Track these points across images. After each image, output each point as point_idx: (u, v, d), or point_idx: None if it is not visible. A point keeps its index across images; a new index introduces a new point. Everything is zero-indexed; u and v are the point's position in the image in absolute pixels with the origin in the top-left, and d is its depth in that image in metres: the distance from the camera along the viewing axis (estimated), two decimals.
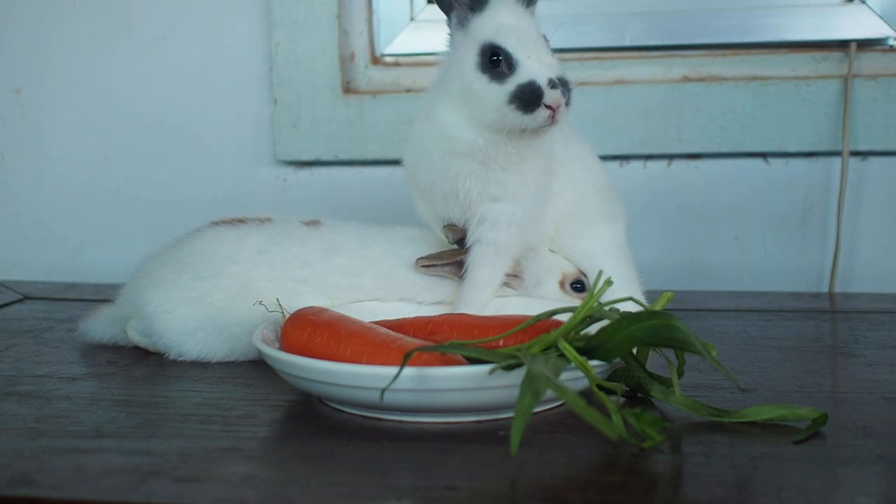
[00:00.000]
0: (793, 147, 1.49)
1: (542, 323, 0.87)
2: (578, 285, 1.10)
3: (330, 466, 0.74)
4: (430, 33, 1.61)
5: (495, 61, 0.96)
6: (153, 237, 1.20)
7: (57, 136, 1.71)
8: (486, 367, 0.78)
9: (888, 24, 1.50)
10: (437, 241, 1.11)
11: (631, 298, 0.86)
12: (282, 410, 0.89)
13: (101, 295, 1.34)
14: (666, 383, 0.86)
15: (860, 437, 0.79)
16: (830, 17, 1.52)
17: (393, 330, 0.92)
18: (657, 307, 0.84)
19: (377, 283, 1.08)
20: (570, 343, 0.81)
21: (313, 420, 0.86)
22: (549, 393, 0.72)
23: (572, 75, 0.98)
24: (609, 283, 0.82)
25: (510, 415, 0.72)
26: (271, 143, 1.63)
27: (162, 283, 1.07)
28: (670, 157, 1.54)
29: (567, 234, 1.10)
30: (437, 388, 0.80)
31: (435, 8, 1.59)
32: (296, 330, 0.91)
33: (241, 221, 1.11)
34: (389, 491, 0.69)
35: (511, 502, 0.67)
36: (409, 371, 0.78)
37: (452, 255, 1.07)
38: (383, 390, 0.77)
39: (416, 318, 1.00)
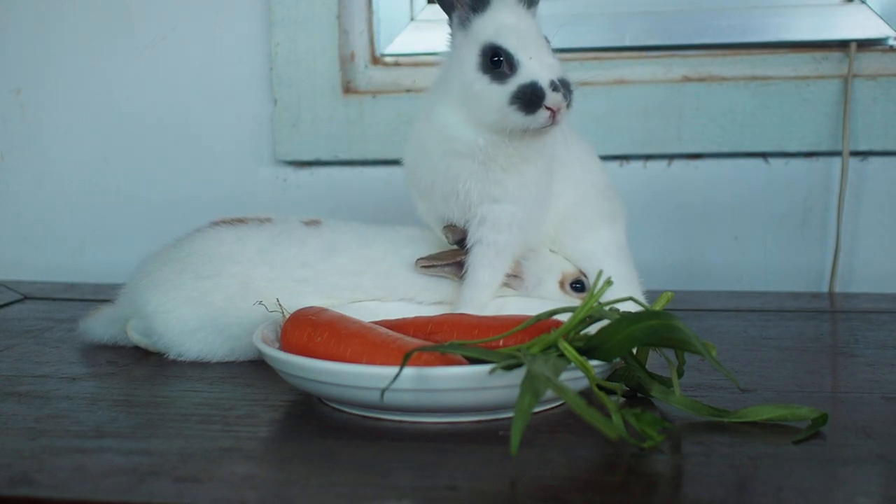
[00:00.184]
0: (793, 147, 1.49)
1: (542, 323, 0.87)
2: (578, 285, 1.10)
3: (330, 466, 0.74)
4: (430, 33, 1.61)
5: (496, 62, 0.96)
6: (153, 237, 1.20)
7: (57, 136, 1.71)
8: (486, 367, 0.78)
9: (888, 24, 1.50)
10: (437, 242, 1.11)
11: (631, 298, 0.86)
12: (282, 410, 0.89)
13: (101, 295, 1.34)
14: (666, 383, 0.86)
15: (860, 437, 0.79)
16: (830, 17, 1.52)
17: (393, 330, 0.92)
18: (657, 307, 0.84)
19: (377, 283, 1.08)
20: (570, 343, 0.81)
21: (313, 420, 0.86)
22: (549, 393, 0.72)
23: (573, 75, 0.98)
24: (609, 283, 0.82)
25: (510, 415, 0.72)
26: (271, 143, 1.63)
27: (162, 283, 1.07)
28: (670, 157, 1.54)
29: (567, 234, 1.10)
30: (437, 388, 0.80)
31: (435, 8, 1.60)
32: (296, 330, 0.91)
33: (241, 221, 1.11)
34: (389, 491, 0.69)
35: (511, 502, 0.67)
36: (409, 371, 0.78)
37: (452, 256, 1.07)
38: (383, 390, 0.77)
39: (416, 318, 1.00)
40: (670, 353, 0.85)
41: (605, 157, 1.22)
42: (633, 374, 0.87)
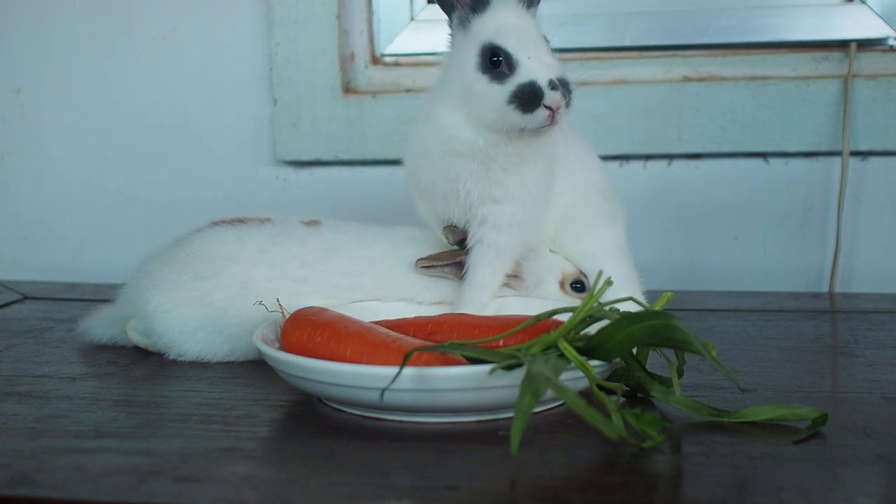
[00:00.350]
0: (793, 147, 1.49)
1: (542, 323, 0.87)
2: (578, 285, 1.10)
3: (330, 466, 0.74)
4: (430, 33, 1.61)
5: (496, 62, 0.96)
6: (153, 237, 1.20)
7: (57, 136, 1.71)
8: (486, 367, 0.78)
9: (888, 24, 1.50)
10: (438, 242, 1.11)
11: (631, 298, 0.86)
12: (282, 410, 0.89)
13: (101, 295, 1.34)
14: (666, 383, 0.86)
15: (860, 437, 0.79)
16: (830, 17, 1.52)
17: (393, 330, 0.92)
18: (657, 307, 0.84)
19: (377, 283, 1.08)
20: (570, 343, 0.81)
21: (313, 420, 0.86)
22: (549, 393, 0.72)
23: (572, 75, 0.98)
24: (609, 283, 0.82)
25: (510, 415, 0.72)
26: (271, 143, 1.63)
27: (162, 283, 1.07)
28: (670, 157, 1.54)
29: (567, 234, 1.10)
30: (437, 388, 0.80)
31: (435, 8, 1.60)
32: (296, 330, 0.91)
33: (241, 221, 1.11)
34: (389, 491, 0.69)
35: (511, 502, 0.67)
36: (409, 371, 0.78)
37: (452, 256, 1.07)
38: (383, 390, 0.77)
39: (416, 318, 1.00)
40: (670, 353, 0.85)
41: (605, 157, 1.22)
42: (633, 374, 0.87)
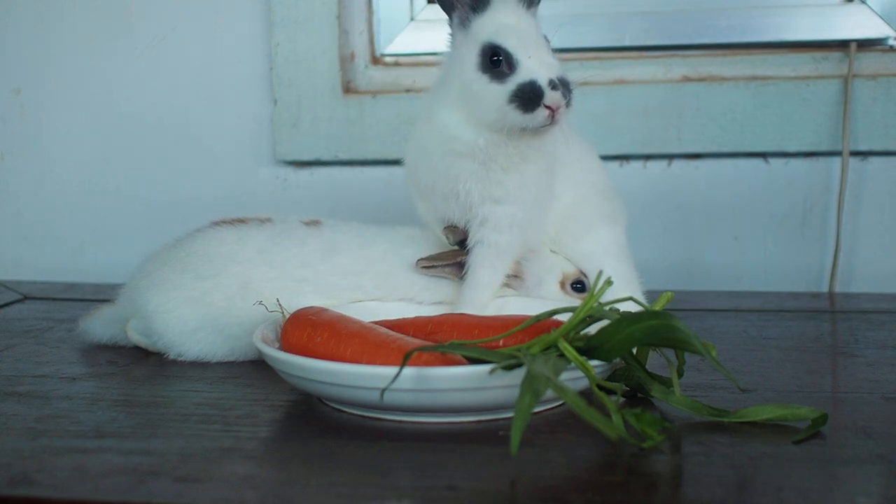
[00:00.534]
0: (793, 147, 1.49)
1: (542, 323, 0.87)
2: (579, 285, 1.10)
3: (330, 466, 0.74)
4: (430, 33, 1.61)
5: (496, 61, 0.96)
6: (153, 237, 1.20)
7: (57, 136, 1.71)
8: (486, 367, 0.78)
9: (888, 24, 1.50)
10: (438, 242, 1.11)
11: (631, 298, 0.86)
12: (282, 410, 0.89)
13: (101, 295, 1.34)
14: (666, 383, 0.86)
15: (860, 437, 0.79)
16: (830, 17, 1.52)
17: (393, 330, 0.92)
18: (657, 307, 0.84)
19: (377, 283, 1.08)
20: (570, 343, 0.81)
21: (313, 420, 0.86)
22: (549, 393, 0.72)
23: (572, 75, 0.98)
24: (609, 283, 0.82)
25: (510, 415, 0.72)
26: (271, 143, 1.63)
27: (162, 283, 1.07)
28: (670, 157, 1.54)
29: (567, 234, 1.10)
30: (437, 388, 0.80)
31: (435, 8, 1.60)
32: (296, 330, 0.91)
33: (242, 221, 1.11)
34: (389, 491, 0.69)
35: (511, 502, 0.67)
36: (409, 371, 0.78)
37: (453, 256, 1.07)
38: (383, 390, 0.77)
39: (416, 318, 1.00)
40: (670, 353, 0.85)
41: (605, 157, 1.22)
42: (633, 374, 0.87)
